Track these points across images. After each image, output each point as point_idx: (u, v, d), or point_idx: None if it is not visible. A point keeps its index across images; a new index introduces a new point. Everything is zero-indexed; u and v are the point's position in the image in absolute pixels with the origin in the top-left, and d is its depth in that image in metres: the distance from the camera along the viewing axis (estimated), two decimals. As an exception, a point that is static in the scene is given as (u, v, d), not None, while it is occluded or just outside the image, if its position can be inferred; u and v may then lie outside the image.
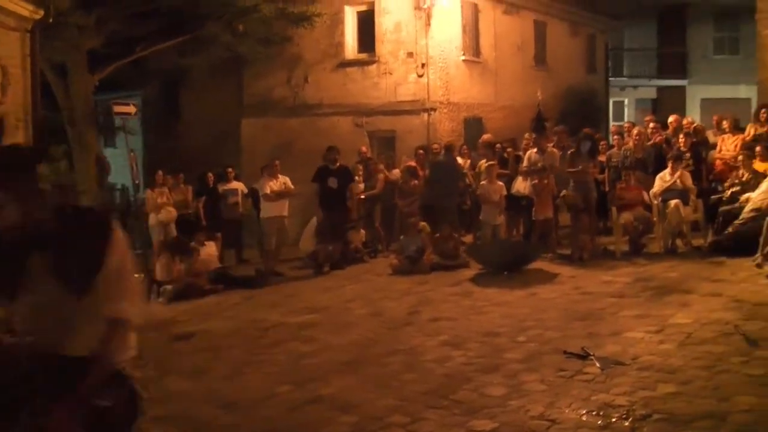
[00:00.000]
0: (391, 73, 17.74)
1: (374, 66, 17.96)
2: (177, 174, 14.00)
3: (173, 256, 11.47)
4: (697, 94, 30.51)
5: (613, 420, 4.80)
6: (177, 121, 21.36)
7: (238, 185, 14.07)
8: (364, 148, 14.86)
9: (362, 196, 13.07)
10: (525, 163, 11.70)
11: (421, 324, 7.74)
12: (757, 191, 10.06)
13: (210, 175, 13.96)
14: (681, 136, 12.24)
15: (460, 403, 5.31)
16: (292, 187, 12.25)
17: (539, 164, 11.24)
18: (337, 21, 18.18)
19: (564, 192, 10.90)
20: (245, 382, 6.46)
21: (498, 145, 13.35)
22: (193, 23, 15.64)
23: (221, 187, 13.90)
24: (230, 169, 14.27)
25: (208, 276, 11.51)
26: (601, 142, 13.33)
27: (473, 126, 17.86)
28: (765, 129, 12.18)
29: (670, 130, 13.18)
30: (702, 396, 5.10)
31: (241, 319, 9.12)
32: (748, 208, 9.93)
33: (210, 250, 12.08)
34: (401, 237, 11.39)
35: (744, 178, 10.66)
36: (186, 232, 12.65)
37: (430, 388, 5.66)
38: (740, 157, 11.07)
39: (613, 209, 10.64)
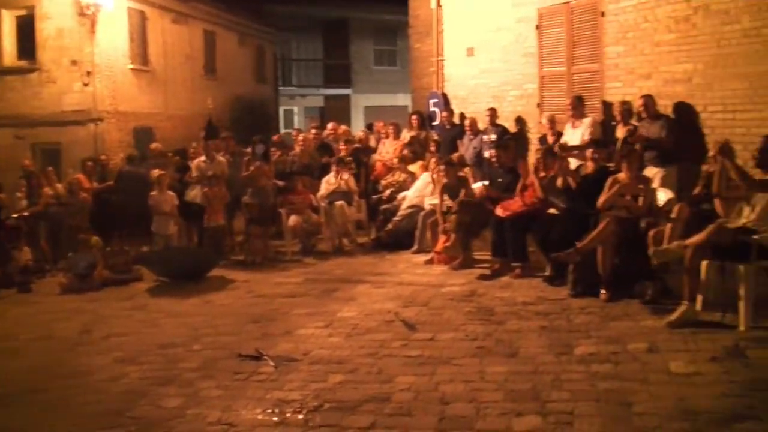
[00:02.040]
0: (54, 82, 16.76)
1: (36, 74, 16.84)
2: None
3: None
4: (360, 102, 32.42)
5: (288, 415, 4.97)
6: None
7: None
8: (27, 162, 13.89)
9: (26, 214, 12.22)
10: (194, 171, 11.66)
11: (94, 343, 7.41)
12: (412, 189, 10.97)
13: None
14: (342, 142, 13.04)
15: (138, 419, 5.16)
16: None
17: (209, 172, 11.27)
18: (-6, 25, 16.89)
19: (245, 198, 11.05)
20: None
21: (170, 154, 13.24)
22: None
23: None
24: None
25: None
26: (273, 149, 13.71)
27: (143, 135, 17.41)
28: (416, 133, 13.34)
29: (330, 137, 13.94)
30: (368, 381, 5.47)
31: None
32: (404, 205, 10.80)
33: None
34: (70, 254, 10.81)
35: (400, 179, 11.56)
36: None
37: (106, 408, 5.44)
38: (398, 160, 11.98)
39: (283, 213, 10.97)
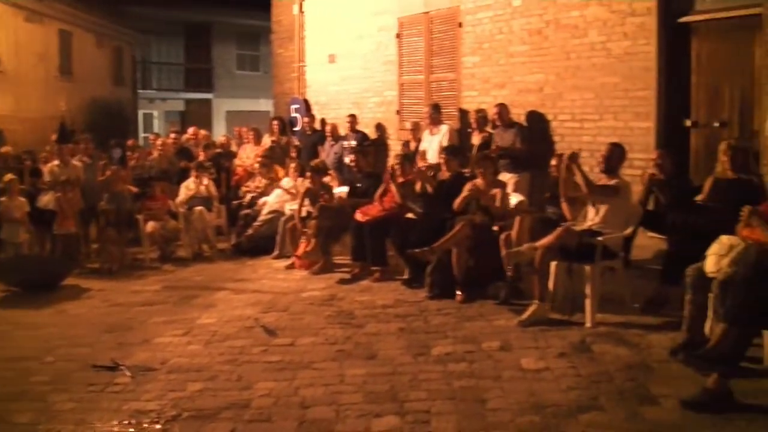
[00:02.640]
0: None
1: None
2: None
3: None
4: (222, 106, 32.06)
5: (145, 425, 4.83)
6: None
7: None
8: None
9: None
10: (47, 176, 11.20)
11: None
12: (273, 195, 10.93)
13: None
14: (203, 147, 12.86)
15: (-14, 438, 4.93)
16: None
17: (62, 177, 10.84)
18: None
19: (101, 204, 10.68)
20: None
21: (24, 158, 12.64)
22: None
23: None
24: None
25: None
26: (129, 153, 13.35)
27: (-7, 138, 16.58)
28: (277, 139, 13.31)
29: (190, 141, 13.71)
30: (227, 388, 5.39)
31: None
32: (265, 210, 10.74)
33: None
34: None
35: (261, 184, 11.49)
36: None
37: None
38: (257, 165, 11.90)
39: (140, 219, 10.68)
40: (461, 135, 10.95)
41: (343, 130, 12.67)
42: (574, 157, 6.93)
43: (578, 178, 6.76)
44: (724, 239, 5.29)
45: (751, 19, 8.05)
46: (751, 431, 4.32)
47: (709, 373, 4.69)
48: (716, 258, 5.20)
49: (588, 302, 6.39)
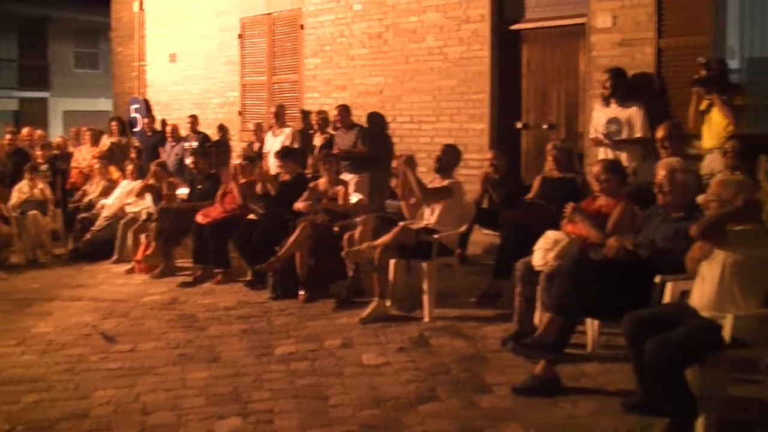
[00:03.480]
0: None
1: None
2: None
3: None
4: (59, 106, 30.76)
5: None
6: None
7: None
8: None
9: None
10: None
11: None
12: (111, 197, 10.62)
13: None
14: (38, 148, 12.32)
15: None
16: None
17: None
18: None
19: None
20: None
21: None
22: None
23: None
24: None
25: None
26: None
27: None
28: (116, 140, 12.94)
29: (25, 143, 13.11)
30: (64, 398, 5.21)
31: None
32: (104, 214, 10.42)
33: None
34: None
35: (99, 186, 11.14)
36: None
37: None
38: (97, 166, 11.52)
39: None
40: (303, 136, 11.03)
41: (184, 131, 12.47)
42: (408, 162, 7.16)
43: (412, 183, 7.00)
44: (550, 234, 5.62)
45: (577, 28, 8.60)
46: (576, 412, 4.61)
47: (537, 360, 4.96)
48: (543, 252, 5.52)
49: (426, 298, 6.60)
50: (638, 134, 7.58)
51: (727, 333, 4.00)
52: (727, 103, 6.71)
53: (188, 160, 11.10)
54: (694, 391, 4.12)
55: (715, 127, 6.81)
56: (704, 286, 4.27)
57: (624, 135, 7.63)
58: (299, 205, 7.91)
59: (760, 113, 8.12)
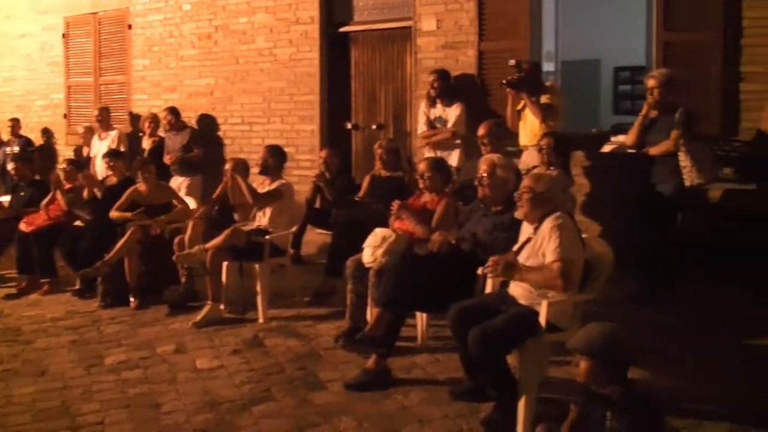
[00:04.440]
0: None
1: None
2: None
3: None
4: None
5: None
6: None
7: None
8: None
9: None
10: None
11: None
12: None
13: None
14: None
15: None
16: None
17: None
18: None
19: None
20: None
21: None
22: None
23: None
24: None
25: None
26: None
27: None
28: None
29: None
30: None
31: None
32: None
33: None
34: None
35: None
36: None
37: None
38: None
39: None
40: (133, 139, 10.76)
41: (5, 135, 11.89)
42: (238, 168, 7.17)
43: (242, 189, 7.01)
44: (378, 232, 5.77)
45: (403, 31, 8.86)
46: (407, 402, 4.78)
47: (369, 354, 5.11)
48: (372, 249, 5.65)
49: (259, 299, 6.62)
50: (451, 128, 7.86)
51: (542, 319, 4.26)
52: (536, 103, 7.13)
53: (9, 166, 10.58)
54: (515, 375, 4.38)
55: (530, 125, 7.22)
56: (522, 276, 4.52)
57: (449, 134, 7.93)
58: (115, 211, 7.71)
59: (574, 112, 8.64)
